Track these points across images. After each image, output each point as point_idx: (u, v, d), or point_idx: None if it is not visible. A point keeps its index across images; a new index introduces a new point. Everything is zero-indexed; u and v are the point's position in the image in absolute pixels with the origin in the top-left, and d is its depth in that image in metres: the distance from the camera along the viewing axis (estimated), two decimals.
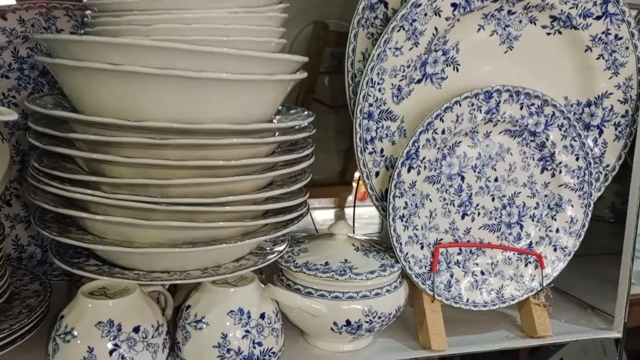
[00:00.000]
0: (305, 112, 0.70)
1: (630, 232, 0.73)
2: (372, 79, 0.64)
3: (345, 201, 1.14)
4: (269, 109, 0.64)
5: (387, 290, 0.66)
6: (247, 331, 0.63)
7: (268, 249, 0.70)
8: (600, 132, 0.74)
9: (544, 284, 0.74)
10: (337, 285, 0.64)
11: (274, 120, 0.67)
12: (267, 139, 0.60)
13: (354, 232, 0.74)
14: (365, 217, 1.05)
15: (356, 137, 0.65)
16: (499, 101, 0.68)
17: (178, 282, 0.61)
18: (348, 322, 0.64)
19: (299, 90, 0.96)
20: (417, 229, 0.69)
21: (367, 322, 0.65)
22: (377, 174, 0.68)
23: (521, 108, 0.69)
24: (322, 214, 1.15)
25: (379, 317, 0.65)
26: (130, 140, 0.56)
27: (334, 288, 0.64)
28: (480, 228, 0.72)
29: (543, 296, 0.74)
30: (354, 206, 1.01)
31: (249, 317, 0.63)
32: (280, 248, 0.69)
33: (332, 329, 0.65)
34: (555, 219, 0.74)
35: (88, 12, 0.64)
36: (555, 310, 0.81)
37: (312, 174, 1.14)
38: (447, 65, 0.68)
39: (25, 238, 0.83)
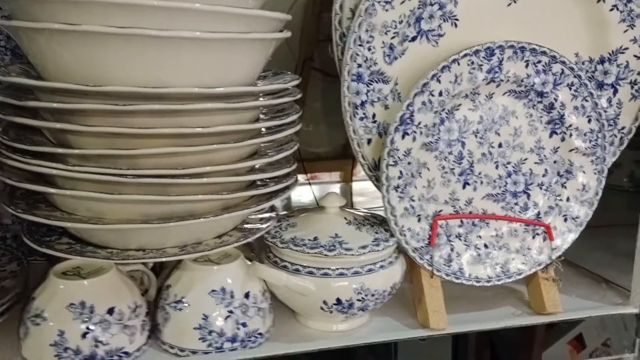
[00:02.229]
0: (290, 76, 0.65)
1: None
2: (360, 37, 0.58)
3: (351, 175, 1.09)
4: (249, 72, 0.59)
5: (381, 266, 0.61)
6: (231, 311, 0.59)
7: (254, 224, 0.65)
8: (615, 92, 0.68)
9: (554, 257, 0.68)
10: (327, 262, 0.59)
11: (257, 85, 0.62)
12: (243, 103, 0.55)
13: (353, 206, 0.70)
14: (371, 190, 1.00)
15: (344, 102, 0.60)
16: (502, 59, 0.62)
17: (154, 260, 0.57)
18: (339, 301, 0.60)
19: (297, 59, 0.90)
20: (413, 200, 0.64)
21: (359, 300, 0.60)
22: (369, 141, 0.63)
23: (526, 66, 0.63)
24: (327, 189, 1.11)
25: (372, 295, 0.61)
26: (93, 107, 0.51)
27: (323, 264, 0.60)
28: (483, 198, 0.67)
29: (552, 270, 0.69)
30: (351, 180, 0.97)
31: (232, 297, 0.59)
32: (267, 224, 0.64)
33: (322, 308, 0.61)
34: (565, 187, 0.68)
35: None
36: (567, 285, 0.76)
37: (315, 147, 1.09)
38: (444, 21, 0.62)
39: (8, 216, 0.80)
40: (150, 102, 0.52)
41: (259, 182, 0.64)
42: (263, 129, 0.63)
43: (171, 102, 0.52)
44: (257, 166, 0.65)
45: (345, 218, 0.65)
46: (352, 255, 0.59)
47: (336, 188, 1.09)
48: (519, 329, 0.69)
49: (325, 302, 0.60)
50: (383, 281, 0.61)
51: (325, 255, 0.59)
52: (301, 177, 0.76)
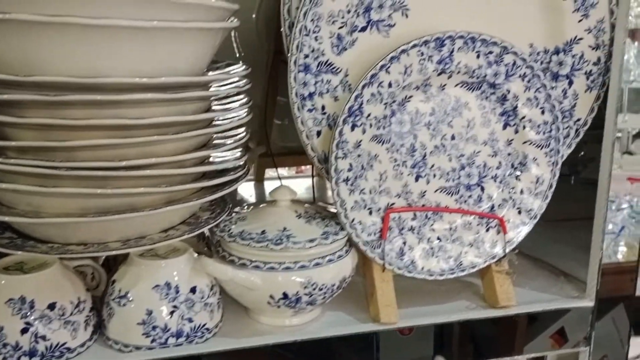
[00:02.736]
0: (242, 68, 0.64)
1: (603, 192, 0.67)
2: (305, 26, 0.57)
3: None
4: (193, 62, 0.58)
5: (330, 260, 0.61)
6: (175, 307, 0.58)
7: (205, 217, 0.64)
8: (570, 83, 0.67)
9: (507, 250, 0.68)
10: (273, 256, 0.59)
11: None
12: (180, 94, 0.53)
13: (315, 200, 0.68)
14: None
15: (291, 93, 0.59)
16: (452, 49, 0.61)
17: (94, 254, 0.56)
18: (285, 295, 0.59)
19: (267, 53, 0.89)
20: (364, 193, 0.63)
21: (306, 294, 0.59)
22: (318, 133, 0.62)
23: (478, 57, 0.62)
24: (301, 183, 1.10)
25: (320, 289, 0.60)
26: (25, 98, 0.50)
27: (270, 258, 0.59)
28: (436, 191, 0.66)
29: (506, 263, 0.68)
30: (312, 175, 0.96)
31: (177, 292, 0.58)
32: (216, 218, 0.63)
33: (269, 303, 0.60)
34: (519, 180, 0.68)
35: None
36: (524, 278, 0.76)
37: (289, 142, 1.07)
38: (394, 11, 0.61)
39: None
40: (86, 93, 0.51)
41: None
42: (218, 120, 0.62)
43: (107, 93, 0.51)
44: (212, 158, 0.65)
45: (296, 211, 0.64)
46: (299, 249, 0.58)
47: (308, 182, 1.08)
48: (499, 322, 0.68)
49: (272, 297, 0.59)
50: (331, 275, 0.60)
51: (272, 249, 0.58)
52: (283, 171, 0.75)
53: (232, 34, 0.95)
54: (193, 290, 0.59)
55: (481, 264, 0.67)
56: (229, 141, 0.63)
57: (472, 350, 0.88)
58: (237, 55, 0.95)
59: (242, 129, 0.66)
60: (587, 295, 0.70)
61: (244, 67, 0.63)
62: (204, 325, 0.59)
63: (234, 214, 0.65)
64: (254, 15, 0.90)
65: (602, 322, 0.70)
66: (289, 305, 0.60)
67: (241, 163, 0.62)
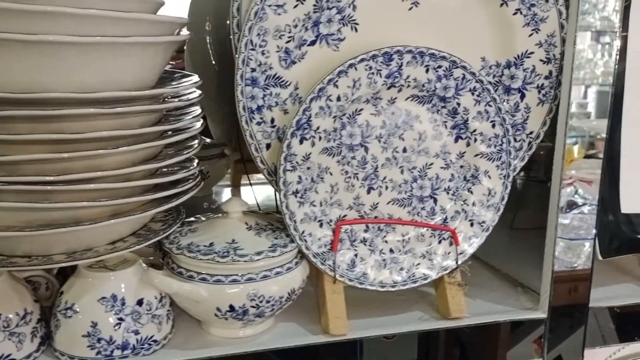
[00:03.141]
0: (193, 80, 0.64)
1: (554, 201, 0.67)
2: (251, 41, 0.58)
3: None
4: (143, 75, 0.58)
5: (278, 273, 0.61)
6: (121, 319, 0.58)
7: (156, 229, 0.65)
8: (522, 96, 0.68)
9: (459, 262, 0.68)
10: (220, 268, 0.59)
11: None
12: (123, 108, 0.54)
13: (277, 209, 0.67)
14: None
15: (239, 106, 0.59)
16: (401, 64, 0.61)
17: (38, 267, 0.56)
18: (232, 308, 0.59)
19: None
20: (314, 205, 0.63)
21: (253, 307, 0.60)
22: (268, 146, 0.62)
23: (427, 71, 0.62)
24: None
25: (268, 302, 0.60)
26: None
27: (216, 271, 0.59)
28: (389, 203, 0.67)
29: (459, 275, 0.69)
30: (250, 183, 0.96)
31: (124, 304, 0.58)
32: (165, 228, 0.63)
33: (216, 315, 0.60)
34: (471, 192, 0.68)
35: None
36: (481, 289, 0.76)
37: None
38: (343, 25, 0.61)
39: None
40: (28, 108, 0.51)
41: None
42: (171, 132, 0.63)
43: (50, 107, 0.51)
44: (165, 169, 0.65)
45: (247, 223, 0.64)
46: (245, 261, 0.59)
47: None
48: (483, 328, 0.69)
49: (218, 309, 0.60)
50: (279, 287, 0.61)
51: (218, 261, 0.58)
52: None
53: (207, 41, 0.95)
54: (140, 302, 0.59)
55: (433, 275, 0.68)
56: (185, 152, 0.63)
57: (459, 355, 0.89)
58: (213, 62, 0.96)
59: (195, 141, 0.66)
60: (540, 306, 0.71)
61: (195, 79, 0.63)
62: (151, 337, 0.59)
63: (185, 226, 0.65)
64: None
65: (555, 334, 0.71)
66: (237, 317, 0.60)
67: (191, 174, 0.62)
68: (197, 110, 0.65)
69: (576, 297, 0.71)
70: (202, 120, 0.66)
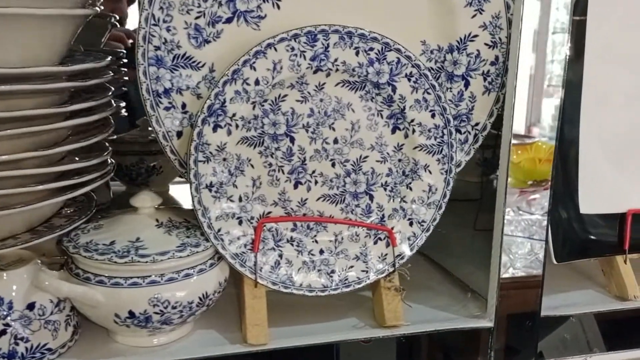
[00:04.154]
0: (94, 57, 0.58)
1: (501, 200, 0.62)
2: (153, 15, 0.51)
3: None
4: (37, 51, 0.52)
5: (187, 275, 0.55)
6: (7, 324, 0.52)
7: (59, 225, 0.58)
8: (467, 84, 0.62)
9: (397, 265, 0.62)
10: (118, 269, 0.53)
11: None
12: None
13: None
14: None
15: (142, 88, 0.53)
16: (327, 45, 0.55)
17: None
18: (132, 314, 0.53)
19: None
20: (232, 201, 0.57)
21: (157, 313, 0.54)
22: (179, 134, 0.56)
23: (357, 54, 0.56)
24: None
25: (174, 308, 0.54)
26: None
27: (115, 273, 0.53)
28: (319, 199, 0.61)
29: (396, 279, 0.63)
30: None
31: (11, 308, 0.52)
32: (66, 224, 0.57)
33: (115, 322, 0.54)
34: (410, 188, 0.62)
35: None
36: (429, 294, 0.70)
37: None
38: (264, 1, 0.55)
39: None
40: None
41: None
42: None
43: None
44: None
45: (158, 220, 0.58)
46: (147, 262, 0.52)
47: None
48: (466, 333, 0.63)
49: (117, 315, 0.53)
50: (188, 292, 0.55)
51: (115, 262, 0.52)
52: None
53: None
54: (31, 306, 0.53)
55: (368, 279, 0.62)
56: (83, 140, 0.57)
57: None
58: None
59: (110, 128, 0.60)
60: (487, 314, 0.65)
61: (104, 60, 0.57)
62: (44, 345, 0.53)
63: (92, 222, 0.59)
64: None
65: (503, 344, 0.65)
66: (139, 325, 0.54)
67: (94, 163, 0.56)
68: (107, 94, 0.58)
69: (526, 305, 0.65)
70: (116, 105, 0.59)
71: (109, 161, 0.61)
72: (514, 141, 0.64)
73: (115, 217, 0.59)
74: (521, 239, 0.65)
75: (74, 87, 0.53)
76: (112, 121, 0.61)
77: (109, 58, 0.57)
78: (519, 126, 0.61)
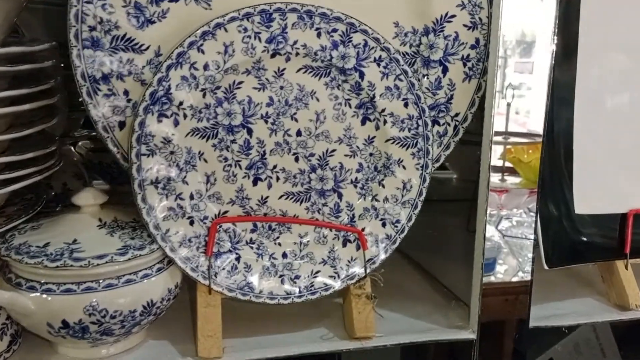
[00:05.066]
0: (38, 43, 0.53)
1: (483, 198, 0.56)
2: None
3: None
4: None
5: (129, 281, 0.49)
6: None
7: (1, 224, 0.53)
8: (445, 70, 0.56)
9: (368, 270, 0.56)
10: (49, 275, 0.47)
11: None
12: None
13: None
14: None
15: (76, 73, 0.48)
16: (285, 25, 0.50)
17: None
18: (65, 323, 0.48)
19: None
20: (182, 199, 0.52)
21: (94, 323, 0.48)
22: (121, 124, 0.51)
23: (319, 35, 0.51)
24: None
25: (113, 317, 0.49)
26: None
27: (47, 278, 0.48)
28: (281, 197, 0.55)
29: (368, 285, 0.57)
30: None
31: None
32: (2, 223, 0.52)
33: (49, 332, 0.49)
34: (383, 185, 0.56)
35: None
36: (409, 302, 0.65)
37: None
38: None
39: None
40: None
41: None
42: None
43: None
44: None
45: (101, 220, 0.53)
46: (81, 267, 0.47)
47: None
48: (446, 346, 0.58)
49: (50, 325, 0.48)
50: (130, 299, 0.49)
51: (46, 266, 0.47)
52: None
53: None
54: None
55: (337, 286, 0.56)
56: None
57: None
58: None
59: (54, 119, 0.55)
60: (470, 325, 0.59)
61: (49, 42, 0.52)
62: None
63: (32, 222, 0.54)
64: None
65: (485, 358, 0.59)
66: (75, 336, 0.49)
67: (29, 157, 0.51)
68: (46, 84, 0.53)
69: (512, 314, 0.59)
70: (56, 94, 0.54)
71: (54, 155, 0.56)
72: (525, 140, 0.59)
73: (57, 216, 0.54)
74: (506, 240, 0.59)
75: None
76: (57, 112, 0.56)
77: (49, 44, 0.52)
78: (534, 125, 0.56)
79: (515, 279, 0.58)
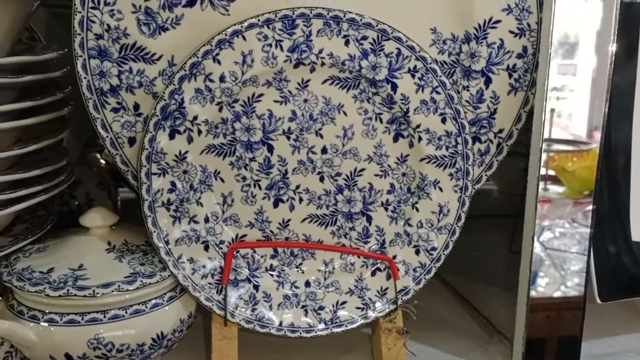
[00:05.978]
0: (47, 50, 0.49)
1: (529, 227, 0.50)
2: None
3: None
4: None
5: (138, 312, 0.45)
6: None
7: (3, 245, 0.50)
8: (488, 81, 0.51)
9: (400, 301, 0.51)
10: (52, 304, 0.44)
11: None
12: None
13: None
14: None
15: (82, 86, 0.44)
16: (309, 33, 0.45)
17: None
18: (69, 357, 0.44)
19: None
20: (196, 222, 0.48)
21: (99, 357, 0.44)
22: (131, 140, 0.47)
23: (347, 43, 0.46)
24: None
25: (120, 351, 0.45)
26: None
27: (50, 307, 0.44)
28: (304, 220, 0.50)
29: (400, 319, 0.52)
30: None
31: None
32: (8, 245, 0.49)
33: None
34: (417, 209, 0.51)
35: None
36: (446, 334, 0.59)
37: None
38: None
39: None
40: None
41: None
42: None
43: None
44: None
45: (110, 243, 0.49)
46: (85, 296, 0.43)
47: None
48: None
49: (52, 358, 0.44)
50: (138, 331, 0.45)
51: (48, 295, 0.43)
52: None
53: None
54: None
55: (364, 318, 0.51)
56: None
57: None
58: None
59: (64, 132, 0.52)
60: None
61: (55, 48, 0.48)
62: None
63: (38, 244, 0.50)
64: None
65: None
66: None
67: (37, 173, 0.48)
68: (55, 94, 0.50)
69: (562, 354, 0.53)
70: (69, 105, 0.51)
71: (65, 171, 0.52)
72: (568, 147, 0.53)
73: (64, 237, 0.50)
74: (555, 268, 0.53)
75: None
76: (68, 124, 0.52)
77: (57, 52, 0.49)
78: (577, 130, 0.50)
79: (563, 313, 0.52)
